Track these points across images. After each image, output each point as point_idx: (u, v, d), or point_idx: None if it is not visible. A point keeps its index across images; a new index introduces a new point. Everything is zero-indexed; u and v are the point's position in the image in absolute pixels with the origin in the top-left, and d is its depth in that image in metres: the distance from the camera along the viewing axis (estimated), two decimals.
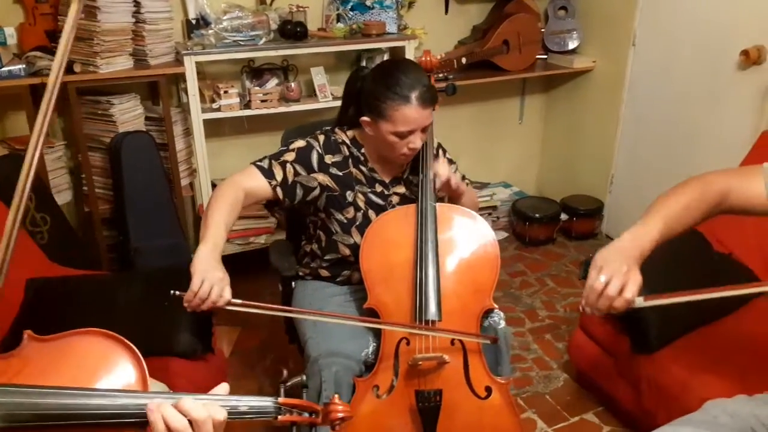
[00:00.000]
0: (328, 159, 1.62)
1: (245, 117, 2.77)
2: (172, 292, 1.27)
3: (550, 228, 3.30)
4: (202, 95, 2.64)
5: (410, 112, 1.49)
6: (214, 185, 2.88)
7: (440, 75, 2.96)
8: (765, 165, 1.19)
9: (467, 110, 3.51)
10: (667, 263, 2.03)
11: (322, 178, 1.61)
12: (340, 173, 1.63)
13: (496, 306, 1.56)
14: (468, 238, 1.59)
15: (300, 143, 1.61)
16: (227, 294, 1.29)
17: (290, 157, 1.59)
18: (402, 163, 1.66)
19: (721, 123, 2.63)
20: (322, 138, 1.63)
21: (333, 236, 1.66)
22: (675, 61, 2.81)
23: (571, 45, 3.33)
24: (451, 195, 1.67)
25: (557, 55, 3.35)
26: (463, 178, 1.82)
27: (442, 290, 1.49)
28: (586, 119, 3.40)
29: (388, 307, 1.53)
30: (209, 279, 1.27)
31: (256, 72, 2.81)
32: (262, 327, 2.51)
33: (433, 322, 1.46)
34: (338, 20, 2.90)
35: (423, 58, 1.77)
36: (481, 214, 3.28)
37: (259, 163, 1.58)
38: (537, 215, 3.25)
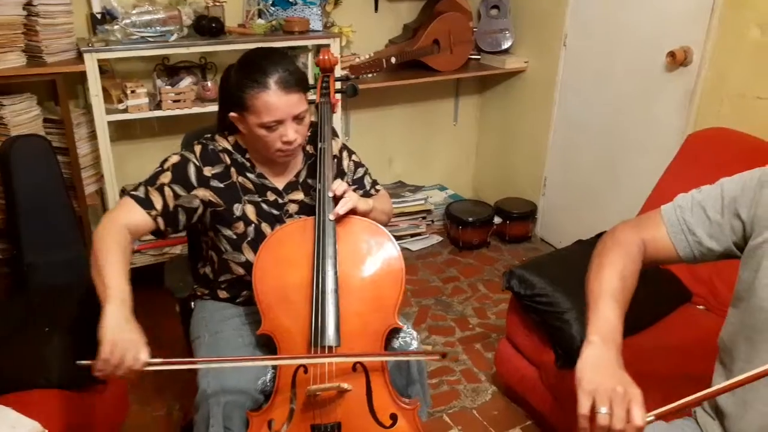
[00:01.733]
0: (207, 171, 1.47)
1: (156, 118, 2.59)
2: (77, 362, 1.14)
3: (484, 232, 3.23)
4: (109, 95, 2.46)
5: (271, 99, 1.36)
6: (123, 191, 2.70)
7: (369, 75, 2.89)
8: (662, 208, 1.14)
9: (401, 111, 3.41)
10: (579, 260, 1.97)
11: (202, 193, 1.46)
12: (222, 185, 1.48)
13: (401, 325, 1.45)
14: (371, 252, 1.47)
15: (174, 158, 1.46)
16: (143, 357, 1.15)
17: (166, 178, 1.43)
18: (284, 162, 1.50)
19: (650, 124, 2.60)
20: (199, 149, 1.48)
21: (223, 255, 1.52)
22: (604, 63, 2.77)
23: (504, 45, 3.26)
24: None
25: (490, 55, 3.28)
26: (375, 184, 1.70)
27: (342, 311, 1.37)
28: (520, 121, 3.34)
29: (284, 333, 1.40)
30: (121, 344, 1.13)
31: (172, 70, 2.64)
32: (174, 345, 2.34)
33: (331, 347, 1.34)
34: (259, 16, 2.75)
35: (321, 57, 1.65)
36: (415, 218, 3.28)
37: (134, 193, 1.41)
38: (470, 219, 3.17)
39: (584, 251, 2.02)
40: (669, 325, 1.89)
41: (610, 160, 2.83)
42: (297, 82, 1.41)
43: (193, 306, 1.66)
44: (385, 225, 1.72)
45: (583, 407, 0.90)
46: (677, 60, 2.36)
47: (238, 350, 1.47)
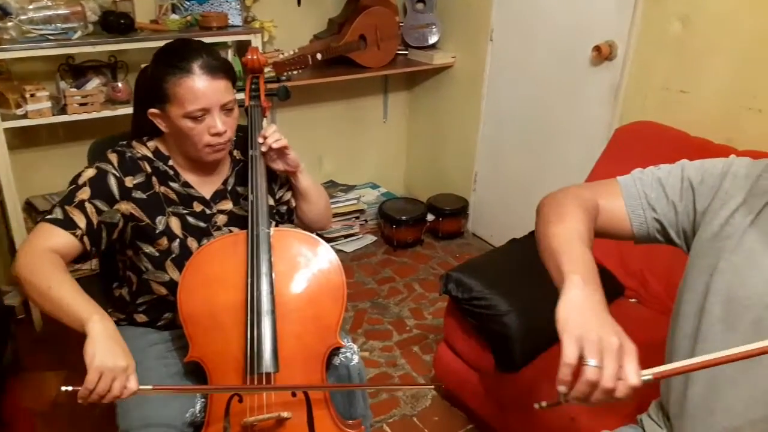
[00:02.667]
0: (129, 182, 1.32)
1: (61, 124, 2.38)
2: (62, 388, 1.04)
3: (418, 229, 3.19)
4: (6, 100, 2.23)
5: (196, 84, 1.25)
6: (29, 204, 2.47)
7: (294, 72, 2.77)
8: (619, 180, 1.07)
9: (329, 109, 3.31)
10: (514, 261, 1.97)
11: (125, 206, 1.32)
12: (145, 196, 1.34)
13: (343, 343, 1.37)
14: (309, 267, 1.38)
15: (89, 172, 1.30)
16: (132, 384, 1.07)
17: (85, 194, 1.27)
18: (213, 159, 1.37)
19: (577, 118, 2.63)
20: (115, 158, 1.33)
21: (144, 275, 1.38)
22: (531, 57, 2.78)
23: (431, 40, 3.22)
24: (288, 172, 1.48)
25: (417, 51, 3.23)
26: None
27: (280, 334, 1.27)
28: (449, 116, 3.32)
29: (215, 360, 1.28)
30: (109, 372, 1.04)
31: (78, 71, 2.42)
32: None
33: (269, 374, 1.24)
34: (173, 11, 2.58)
35: (249, 57, 1.54)
36: (348, 219, 3.20)
37: (50, 217, 1.24)
38: (404, 218, 3.12)
39: (519, 251, 2.03)
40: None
41: (538, 155, 2.85)
42: (223, 69, 1.30)
43: None
44: (325, 225, 1.65)
45: (570, 355, 0.77)
46: (603, 54, 2.39)
47: (164, 381, 1.34)
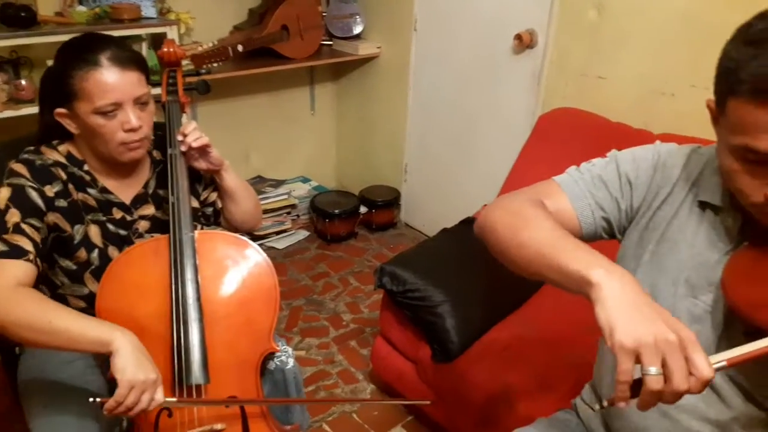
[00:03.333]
0: (49, 191, 1.22)
1: None
2: (90, 399, 1.06)
3: (351, 222, 3.16)
4: None
5: (105, 77, 1.17)
6: None
7: (214, 65, 2.67)
8: (558, 180, 1.04)
9: (254, 102, 3.22)
10: (446, 251, 1.98)
11: (51, 217, 1.22)
12: (66, 204, 1.25)
13: (278, 348, 1.32)
14: (238, 270, 1.32)
15: (4, 193, 1.18)
16: (159, 396, 1.10)
17: (15, 216, 1.16)
18: (130, 159, 1.28)
19: (502, 106, 2.66)
20: (24, 169, 1.21)
21: (59, 290, 1.28)
22: (455, 46, 2.79)
23: (356, 30, 3.18)
24: (212, 170, 1.41)
25: (342, 41, 3.18)
26: None
27: (209, 342, 1.22)
28: (377, 107, 3.30)
29: None
30: (141, 384, 1.06)
31: None
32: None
33: (199, 386, 1.19)
34: (80, 2, 2.42)
35: (165, 50, 1.46)
36: (279, 215, 3.13)
37: None
38: (336, 211, 3.09)
39: (450, 240, 2.04)
40: (536, 305, 1.93)
41: (466, 143, 2.87)
42: (134, 60, 1.22)
43: (18, 352, 1.41)
44: (255, 225, 1.59)
45: (626, 374, 0.69)
46: (524, 42, 2.43)
47: (86, 403, 1.26)
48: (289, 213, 3.18)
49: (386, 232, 3.27)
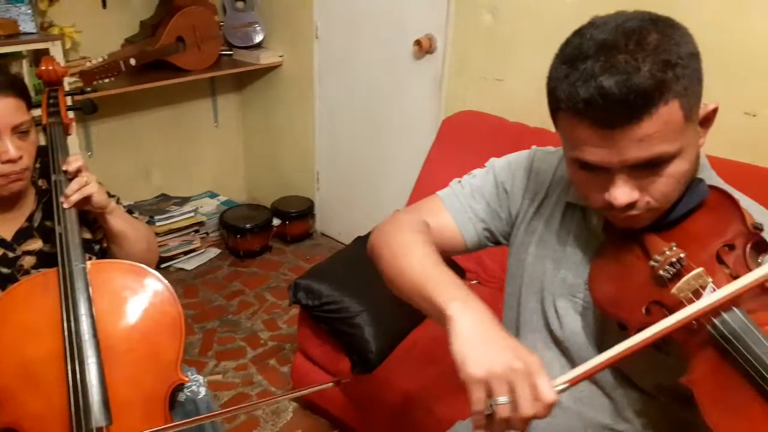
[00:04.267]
0: None
1: None
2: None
3: (264, 236, 3.09)
4: None
5: None
6: None
7: (105, 80, 2.52)
8: (441, 195, 1.08)
9: (153, 117, 3.08)
10: (361, 259, 1.96)
11: None
12: None
13: (187, 378, 1.25)
14: (137, 301, 1.24)
15: None
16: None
17: None
18: (9, 192, 1.19)
19: (407, 111, 2.69)
20: None
21: None
22: (357, 53, 2.79)
23: (256, 39, 3.12)
24: (94, 212, 1.28)
25: (243, 51, 3.11)
26: (130, 211, 1.45)
27: (110, 380, 1.13)
28: (284, 116, 3.24)
29: (34, 422, 1.11)
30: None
31: None
32: None
33: (101, 429, 1.10)
34: None
35: (43, 68, 1.36)
36: (186, 233, 3.00)
37: None
38: (248, 225, 3.00)
39: (364, 248, 2.02)
40: None
41: (376, 149, 2.88)
42: (10, 85, 1.13)
43: None
44: (152, 262, 1.49)
45: (479, 403, 0.71)
46: (423, 48, 2.46)
47: None
48: (197, 231, 3.06)
49: (302, 243, 3.21)
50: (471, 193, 1.05)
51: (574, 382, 0.74)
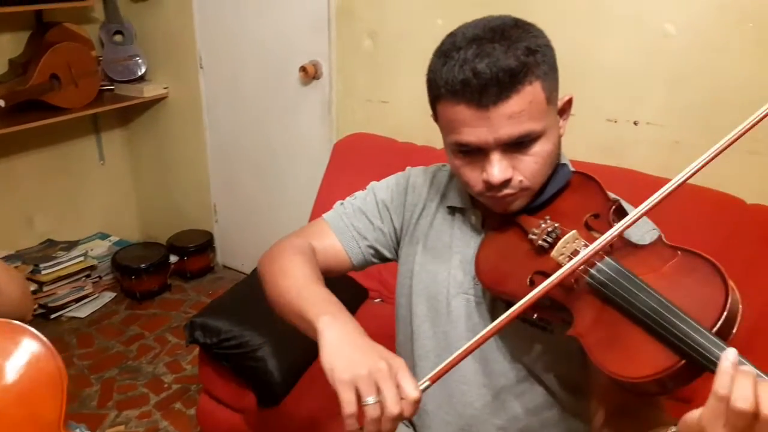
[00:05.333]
0: None
1: None
2: None
3: (162, 275, 2.97)
4: None
5: None
6: None
7: None
8: (325, 218, 1.13)
9: (33, 160, 2.90)
10: (259, 290, 1.93)
11: None
12: None
13: None
14: (10, 362, 1.15)
15: None
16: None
17: None
18: None
19: (299, 137, 2.69)
20: None
21: None
22: (244, 81, 2.76)
23: (139, 72, 3.02)
24: None
25: (125, 85, 3.00)
26: None
27: None
28: (174, 149, 3.15)
29: None
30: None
31: None
32: None
33: None
34: None
35: None
36: (76, 279, 2.84)
37: None
38: (143, 265, 2.87)
39: None
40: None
41: (272, 176, 2.85)
42: None
43: None
44: (27, 311, 1.40)
45: (349, 405, 0.74)
46: (309, 74, 2.48)
47: None
48: (88, 276, 2.90)
49: (204, 278, 3.12)
50: (353, 213, 1.11)
51: (435, 379, 0.77)
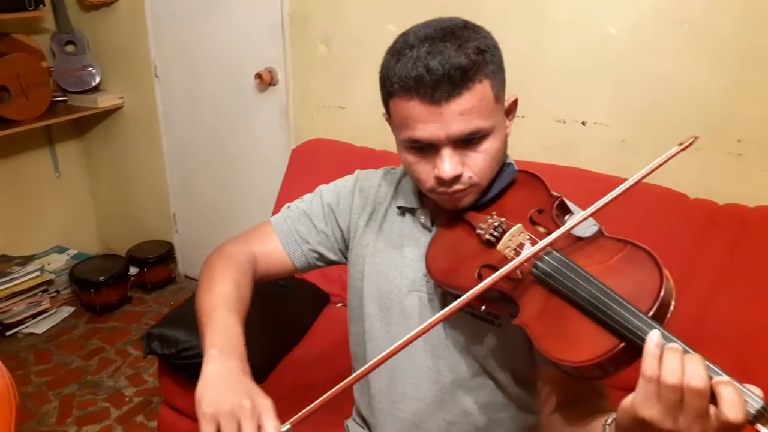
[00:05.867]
0: None
1: None
2: None
3: (122, 287, 2.93)
4: None
5: None
6: None
7: None
8: (272, 220, 1.15)
9: None
10: None
11: None
12: None
13: None
14: None
15: None
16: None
17: None
18: None
19: (258, 143, 2.68)
20: None
21: None
22: (200, 89, 2.75)
23: (93, 82, 2.98)
24: None
25: (79, 96, 2.96)
26: None
27: None
28: (132, 159, 3.11)
29: None
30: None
31: None
32: None
33: None
34: None
35: None
36: (32, 295, 2.78)
37: None
38: (102, 278, 2.83)
39: None
40: (319, 330, 1.98)
41: (231, 184, 2.84)
42: None
43: None
44: None
45: None
46: (265, 81, 2.48)
47: None
48: (45, 291, 2.84)
49: (165, 289, 3.08)
50: (298, 217, 1.13)
51: (296, 422, 0.80)
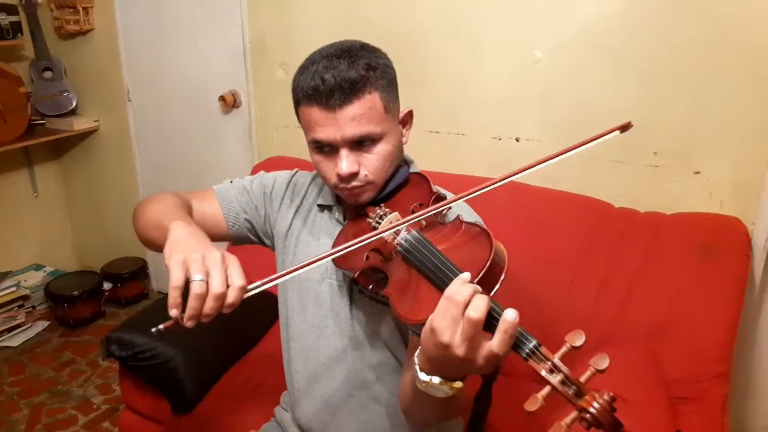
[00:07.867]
0: None
1: None
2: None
3: (95, 302, 3.03)
4: None
5: None
6: None
7: None
8: (215, 188, 1.29)
9: None
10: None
11: None
12: None
13: None
14: None
15: None
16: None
17: None
18: None
19: (224, 162, 2.82)
20: None
21: None
22: (169, 112, 2.90)
23: (69, 106, 3.12)
24: None
25: (56, 119, 3.10)
26: None
27: None
28: (107, 179, 3.24)
29: None
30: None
31: None
32: None
33: None
34: None
35: None
36: (8, 310, 2.88)
37: None
38: (75, 293, 2.94)
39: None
40: (275, 333, 2.07)
41: None
42: None
43: None
44: None
45: (177, 279, 0.81)
46: (228, 103, 2.63)
47: None
48: (21, 306, 2.94)
49: (138, 304, 3.19)
50: (239, 189, 1.28)
51: (266, 283, 0.87)
